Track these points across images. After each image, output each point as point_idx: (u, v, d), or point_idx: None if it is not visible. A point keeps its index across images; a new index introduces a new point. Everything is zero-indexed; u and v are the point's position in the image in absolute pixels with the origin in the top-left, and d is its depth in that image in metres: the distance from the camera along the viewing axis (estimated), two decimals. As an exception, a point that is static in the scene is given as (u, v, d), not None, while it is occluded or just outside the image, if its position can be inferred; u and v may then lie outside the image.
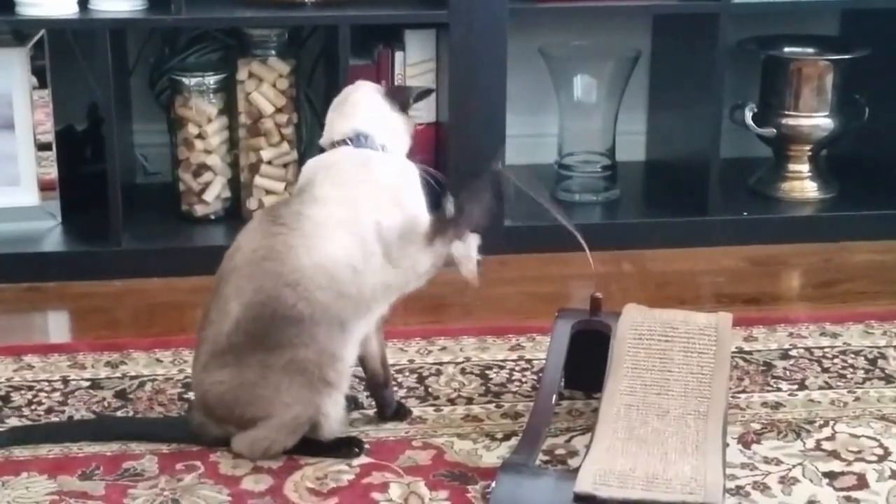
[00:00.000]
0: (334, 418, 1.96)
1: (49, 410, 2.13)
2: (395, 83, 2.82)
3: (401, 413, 2.11)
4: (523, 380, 2.25)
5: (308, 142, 2.99)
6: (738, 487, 1.91)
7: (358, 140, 2.00)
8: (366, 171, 1.97)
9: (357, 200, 1.94)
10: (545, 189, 2.15)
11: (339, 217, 1.92)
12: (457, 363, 2.31)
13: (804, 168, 3.08)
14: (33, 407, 2.14)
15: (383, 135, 2.02)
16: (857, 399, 2.19)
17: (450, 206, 1.99)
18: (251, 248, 1.93)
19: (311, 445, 1.97)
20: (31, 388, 2.20)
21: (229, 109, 2.86)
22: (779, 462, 1.99)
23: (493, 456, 2.00)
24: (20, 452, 1.99)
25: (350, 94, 2.08)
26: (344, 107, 2.05)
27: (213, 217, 2.89)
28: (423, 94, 2.17)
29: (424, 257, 1.96)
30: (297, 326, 1.89)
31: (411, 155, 2.09)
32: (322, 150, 2.05)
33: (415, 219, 1.96)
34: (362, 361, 2.07)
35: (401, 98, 2.07)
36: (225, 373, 1.92)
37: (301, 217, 1.92)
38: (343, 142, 2.01)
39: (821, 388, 2.23)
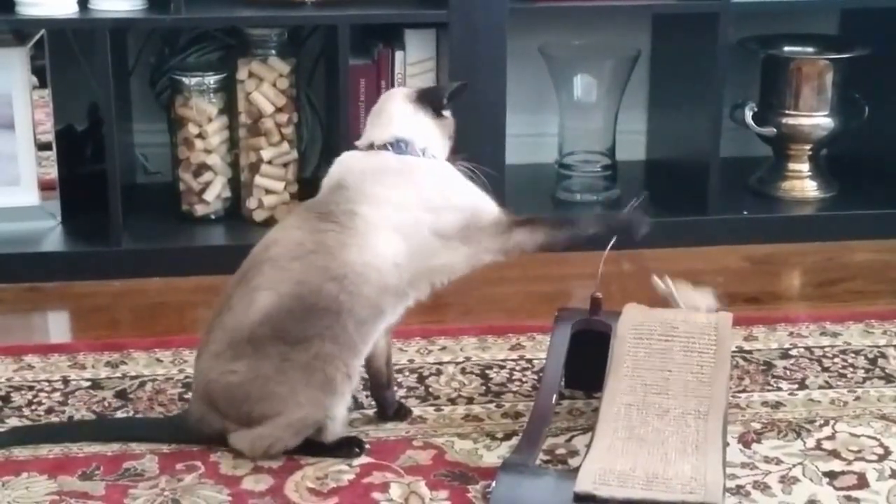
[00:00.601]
0: (339, 421, 1.96)
1: (49, 410, 2.13)
2: (395, 83, 2.82)
3: (401, 413, 2.11)
4: (524, 379, 2.25)
5: (308, 141, 3.00)
6: (739, 487, 1.91)
7: (398, 146, 2.02)
8: (410, 175, 2.00)
9: (408, 203, 1.97)
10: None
11: (392, 218, 1.95)
12: (457, 363, 2.31)
13: (804, 167, 3.08)
14: (33, 407, 2.14)
15: (422, 140, 2.04)
16: (857, 398, 2.19)
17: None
18: (296, 241, 1.94)
19: (312, 445, 1.97)
20: (31, 389, 2.20)
21: (229, 109, 2.86)
22: (779, 461, 1.99)
23: (493, 456, 2.00)
24: (20, 453, 1.99)
25: (384, 104, 2.09)
26: (380, 118, 2.07)
27: (213, 217, 2.89)
28: (457, 91, 2.13)
29: (500, 242, 2.00)
30: (333, 317, 1.90)
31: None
32: (353, 149, 2.06)
33: (476, 210, 2.00)
34: (368, 360, 2.07)
35: (432, 102, 2.08)
36: (240, 364, 1.92)
37: (355, 216, 1.94)
38: (384, 147, 2.02)
39: (821, 387, 2.23)
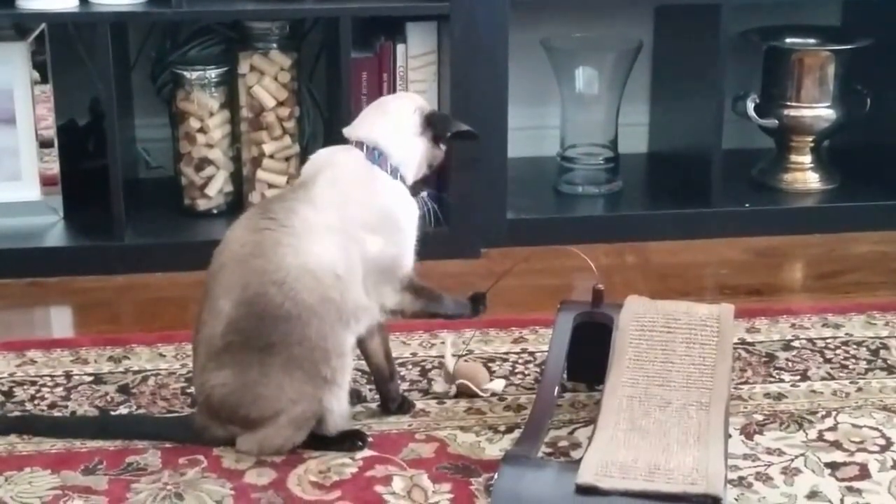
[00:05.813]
0: (338, 413, 1.95)
1: (52, 405, 2.13)
2: (397, 76, 2.81)
3: (404, 406, 2.11)
4: (526, 372, 2.25)
5: (310, 135, 3.00)
6: (741, 478, 1.91)
7: (372, 153, 1.97)
8: (369, 189, 1.95)
9: (352, 212, 1.93)
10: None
11: (331, 223, 1.91)
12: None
13: (806, 159, 3.08)
14: (36, 402, 2.14)
15: (399, 156, 1.98)
16: (859, 389, 2.19)
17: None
18: (239, 243, 1.92)
19: (315, 439, 1.97)
20: (33, 384, 2.20)
21: (231, 103, 2.86)
22: (781, 453, 1.99)
23: (495, 448, 2.00)
24: (23, 447, 2.00)
25: (390, 102, 2.06)
26: (377, 108, 2.03)
27: (215, 211, 2.89)
28: (464, 134, 2.07)
29: (395, 299, 1.98)
30: (287, 325, 1.88)
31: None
32: (344, 139, 2.02)
33: (398, 259, 1.97)
34: (366, 357, 2.07)
35: (439, 128, 2.03)
36: (225, 375, 1.91)
37: (293, 215, 1.91)
38: (360, 145, 1.98)
39: (823, 378, 2.23)
